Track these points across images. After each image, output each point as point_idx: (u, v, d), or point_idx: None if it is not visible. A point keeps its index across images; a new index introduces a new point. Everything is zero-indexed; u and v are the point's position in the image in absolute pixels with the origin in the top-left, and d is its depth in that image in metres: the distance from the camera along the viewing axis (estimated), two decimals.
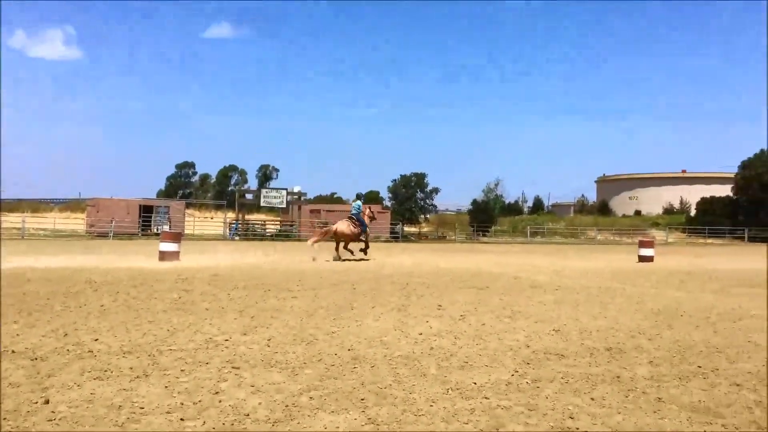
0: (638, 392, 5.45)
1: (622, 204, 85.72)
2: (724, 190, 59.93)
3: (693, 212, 62.16)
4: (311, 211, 46.30)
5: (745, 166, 54.96)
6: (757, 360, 6.73)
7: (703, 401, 5.20)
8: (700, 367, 6.42)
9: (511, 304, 10.74)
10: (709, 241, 50.43)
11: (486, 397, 5.18)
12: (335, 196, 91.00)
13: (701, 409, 4.98)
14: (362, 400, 5.09)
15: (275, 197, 44.23)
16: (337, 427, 4.43)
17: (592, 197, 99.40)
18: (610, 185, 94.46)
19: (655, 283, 14.77)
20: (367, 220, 21.22)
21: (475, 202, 59.31)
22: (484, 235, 50.70)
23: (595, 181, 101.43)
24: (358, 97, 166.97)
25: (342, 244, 20.67)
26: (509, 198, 76.53)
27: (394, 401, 5.07)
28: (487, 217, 55.10)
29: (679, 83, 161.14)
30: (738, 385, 5.72)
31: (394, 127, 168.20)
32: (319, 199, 74.30)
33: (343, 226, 20.61)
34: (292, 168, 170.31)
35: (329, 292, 11.86)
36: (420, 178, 58.33)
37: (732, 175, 58.66)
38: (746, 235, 49.17)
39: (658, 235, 52.03)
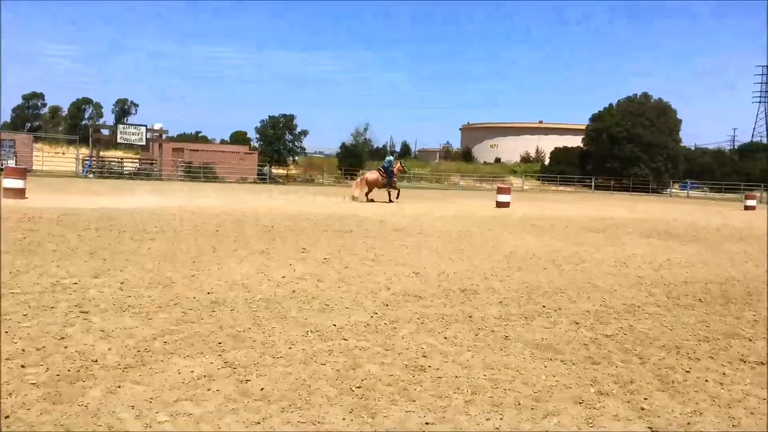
0: (487, 331, 5.77)
1: (484, 152, 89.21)
2: (576, 141, 63.98)
3: (547, 161, 65.89)
4: (174, 150, 44.20)
5: (594, 119, 58.77)
6: (595, 300, 7.33)
7: (545, 338, 5.60)
8: (544, 306, 6.89)
9: (375, 247, 10.94)
10: (561, 188, 53.95)
11: (344, 339, 5.27)
12: (200, 135, 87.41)
13: (543, 346, 5.36)
14: (219, 343, 5.01)
15: (134, 134, 41.60)
16: (192, 371, 4.33)
17: (457, 144, 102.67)
18: (473, 133, 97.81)
19: (510, 228, 15.62)
20: (396, 173, 25.16)
21: (344, 146, 59.28)
22: (352, 179, 51.02)
23: (460, 129, 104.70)
24: (229, 33, 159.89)
25: (370, 190, 24.61)
26: (378, 143, 77.22)
27: (253, 344, 5.03)
28: (356, 160, 55.34)
29: (540, 40, 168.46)
30: (577, 323, 6.21)
31: (266, 67, 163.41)
32: (183, 138, 71.06)
33: (374, 176, 24.79)
34: (154, 104, 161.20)
35: (190, 235, 11.46)
36: (289, 119, 57.16)
37: (583, 127, 62.59)
38: (593, 184, 53.07)
39: (516, 182, 54.94)
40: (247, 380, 4.24)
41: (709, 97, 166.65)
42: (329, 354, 4.84)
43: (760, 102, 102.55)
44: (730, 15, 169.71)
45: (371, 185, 24.68)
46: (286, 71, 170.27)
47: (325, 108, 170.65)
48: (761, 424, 3.86)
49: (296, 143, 57.62)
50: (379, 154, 78.22)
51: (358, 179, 26.67)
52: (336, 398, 3.95)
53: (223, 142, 74.10)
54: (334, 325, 5.71)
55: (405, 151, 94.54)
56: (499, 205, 24.46)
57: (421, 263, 9.42)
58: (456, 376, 4.46)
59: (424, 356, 4.90)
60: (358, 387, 4.16)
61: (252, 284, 7.38)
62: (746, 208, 32.24)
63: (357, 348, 5.03)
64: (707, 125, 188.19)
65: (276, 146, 55.33)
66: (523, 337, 5.62)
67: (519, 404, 3.99)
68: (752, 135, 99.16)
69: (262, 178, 44.81)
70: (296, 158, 59.01)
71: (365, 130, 61.53)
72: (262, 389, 4.08)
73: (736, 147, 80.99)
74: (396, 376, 4.41)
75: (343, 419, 3.65)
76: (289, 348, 4.96)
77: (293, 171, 55.12)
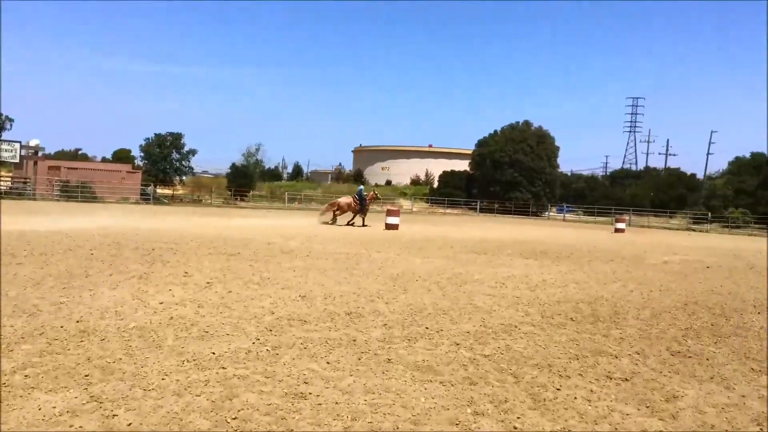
0: (370, 354, 5.78)
1: (376, 174, 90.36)
2: (464, 165, 66.19)
3: (436, 184, 67.63)
4: (50, 168, 41.61)
5: (480, 144, 61.12)
6: (476, 320, 7.53)
7: (426, 360, 5.68)
8: (427, 328, 7.00)
9: (261, 270, 10.74)
10: (448, 210, 55.47)
11: (223, 367, 5.11)
12: (80, 152, 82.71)
13: (424, 368, 5.44)
14: (86, 376, 4.71)
15: (6, 150, 38.98)
16: (54, 407, 4.04)
17: (349, 166, 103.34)
18: (365, 155, 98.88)
19: (398, 250, 15.84)
20: (369, 201, 26.97)
21: (234, 166, 58.14)
22: (242, 200, 50.06)
23: (352, 151, 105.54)
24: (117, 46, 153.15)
25: (337, 213, 26.23)
26: (269, 163, 76.36)
27: (123, 376, 4.77)
28: (247, 181, 54.41)
29: (431, 67, 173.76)
30: (457, 344, 6.35)
31: (154, 85, 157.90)
32: (61, 155, 67.11)
33: (347, 200, 26.73)
34: (30, 119, 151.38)
35: (62, 258, 10.78)
36: (176, 138, 55.41)
37: (470, 152, 64.90)
38: (478, 207, 55.03)
39: (405, 204, 55.97)
40: (114, 415, 4.01)
41: (585, 125, 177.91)
42: (205, 384, 4.67)
43: (630, 131, 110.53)
44: (609, 51, 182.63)
45: (342, 209, 26.31)
46: (177, 86, 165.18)
47: (215, 126, 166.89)
48: None
49: (183, 162, 55.92)
50: (271, 174, 77.47)
51: (329, 203, 28.39)
52: None
53: (104, 160, 70.52)
54: (213, 353, 5.52)
55: (297, 172, 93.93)
56: (388, 227, 24.77)
57: (307, 286, 9.34)
58: (336, 402, 4.42)
59: (305, 383, 4.83)
60: (234, 418, 4.03)
61: (126, 311, 7.01)
62: (616, 230, 34.46)
63: (235, 377, 4.88)
64: (583, 152, 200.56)
65: (161, 165, 53.42)
66: (405, 359, 5.68)
67: (398, 428, 4.01)
68: (623, 162, 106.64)
69: (146, 198, 43.02)
70: (183, 178, 57.21)
71: (257, 150, 60.81)
72: (129, 424, 3.86)
73: (608, 173, 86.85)
74: (275, 404, 4.31)
75: None
76: (162, 379, 4.73)
77: (180, 191, 53.34)
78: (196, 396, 4.40)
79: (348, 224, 25.81)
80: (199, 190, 53.02)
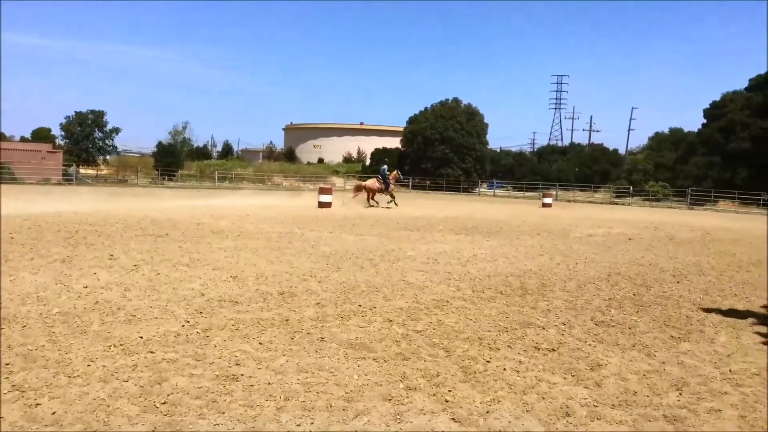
0: (303, 333, 5.77)
1: (308, 152, 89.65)
2: (395, 143, 66.37)
3: (368, 162, 67.61)
4: None
5: (411, 121, 61.37)
6: (408, 297, 7.61)
7: (360, 337, 5.71)
8: (360, 305, 7.03)
9: (191, 251, 10.52)
10: None
11: (151, 351, 4.99)
12: None
13: (357, 345, 5.47)
14: (7, 365, 4.53)
15: None
16: None
17: (280, 144, 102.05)
18: (297, 133, 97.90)
19: (331, 228, 15.80)
20: (392, 180, 27.97)
21: (160, 145, 56.46)
22: (170, 180, 48.72)
23: (283, 129, 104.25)
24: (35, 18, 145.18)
25: (370, 195, 27.22)
26: (198, 142, 74.53)
27: (46, 363, 4.60)
28: (174, 160, 52.94)
29: (360, 44, 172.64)
30: (390, 321, 6.41)
31: (71, 62, 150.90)
32: None
33: (371, 182, 27.96)
34: None
35: None
36: (98, 116, 53.37)
37: (401, 129, 65.13)
38: (410, 184, 55.40)
39: (338, 182, 55.80)
40: (38, 404, 3.87)
41: (513, 102, 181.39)
42: (133, 369, 4.55)
43: (555, 109, 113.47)
44: (534, 29, 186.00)
45: (371, 190, 27.43)
46: (98, 64, 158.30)
47: (140, 104, 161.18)
48: (551, 407, 4.23)
49: (107, 141, 53.98)
50: (200, 153, 75.59)
51: (356, 186, 30.53)
52: (138, 417, 3.72)
53: (23, 140, 67.06)
54: (141, 337, 5.38)
55: (227, 151, 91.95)
56: (321, 205, 24.68)
57: (239, 266, 9.20)
58: (269, 383, 4.40)
59: (237, 364, 4.78)
60: (164, 403, 3.95)
61: (49, 296, 6.75)
62: (544, 205, 35.45)
63: (164, 360, 4.78)
64: (511, 129, 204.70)
65: (84, 145, 51.41)
66: (338, 337, 5.69)
67: (330, 406, 4.03)
68: (549, 138, 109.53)
69: (68, 180, 41.31)
70: (107, 157, 55.24)
71: (184, 128, 59.26)
72: (53, 413, 3.74)
73: (535, 149, 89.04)
74: (205, 387, 4.25)
75: None
76: (88, 365, 4.59)
77: (104, 171, 51.49)
78: (124, 381, 4.29)
79: (370, 205, 26.72)
80: (125, 170, 51.34)
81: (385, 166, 28.72)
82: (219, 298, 7.05)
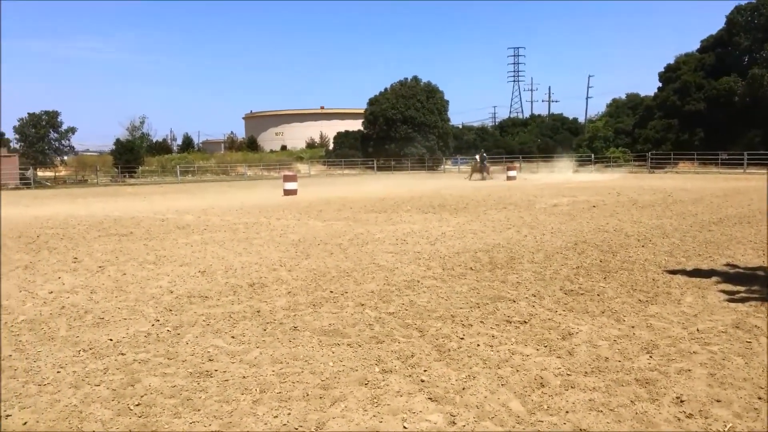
0: (276, 324, 5.74)
1: (270, 140, 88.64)
2: (357, 125, 66.09)
3: (332, 146, 67.26)
4: None
5: (372, 102, 61.09)
6: (379, 279, 7.62)
7: (333, 324, 5.71)
8: (331, 291, 7.02)
9: (156, 248, 10.37)
10: (346, 172, 55.47)
11: (122, 353, 4.91)
12: None
13: (330, 332, 5.46)
14: None
15: None
16: None
17: (241, 134, 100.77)
18: (257, 122, 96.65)
19: (297, 215, 15.72)
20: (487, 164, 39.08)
21: (118, 142, 55.24)
22: (131, 177, 47.81)
23: (243, 118, 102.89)
24: None
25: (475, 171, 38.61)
26: (157, 136, 73.16)
27: (14, 373, 4.50)
28: (134, 157, 51.90)
29: (315, 27, 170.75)
30: (362, 305, 6.41)
31: (18, 62, 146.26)
32: None
33: (476, 164, 38.71)
34: None
35: None
36: (52, 116, 51.97)
37: (362, 111, 64.82)
38: (375, 165, 55.36)
39: (302, 168, 55.45)
40: (8, 415, 3.78)
41: (472, 77, 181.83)
42: (104, 373, 4.48)
43: (514, 81, 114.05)
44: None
45: (476, 169, 38.52)
46: (40, 61, 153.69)
47: (94, 102, 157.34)
48: (526, 379, 4.29)
49: (63, 142, 52.73)
50: (160, 147, 74.27)
51: (472, 166, 40.16)
52: (112, 421, 3.67)
53: None
54: (111, 339, 5.30)
55: (187, 144, 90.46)
56: (287, 193, 24.53)
57: (207, 261, 9.11)
58: (243, 377, 4.37)
59: (210, 360, 4.74)
60: (137, 405, 3.89)
61: (13, 305, 6.60)
62: (508, 178, 35.76)
63: (136, 361, 4.71)
64: (472, 104, 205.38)
65: (39, 146, 50.14)
66: (312, 325, 5.67)
67: (307, 395, 4.02)
68: (510, 111, 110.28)
69: (26, 183, 40.28)
70: (65, 158, 53.99)
71: (142, 123, 58.07)
72: (25, 423, 3.66)
73: (497, 123, 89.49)
74: (179, 386, 4.20)
75: None
76: (58, 372, 4.50)
77: (63, 172, 50.30)
78: (96, 386, 4.22)
79: (473, 179, 36.61)
80: (84, 170, 50.22)
81: (483, 150, 41.88)
82: (188, 294, 6.98)
